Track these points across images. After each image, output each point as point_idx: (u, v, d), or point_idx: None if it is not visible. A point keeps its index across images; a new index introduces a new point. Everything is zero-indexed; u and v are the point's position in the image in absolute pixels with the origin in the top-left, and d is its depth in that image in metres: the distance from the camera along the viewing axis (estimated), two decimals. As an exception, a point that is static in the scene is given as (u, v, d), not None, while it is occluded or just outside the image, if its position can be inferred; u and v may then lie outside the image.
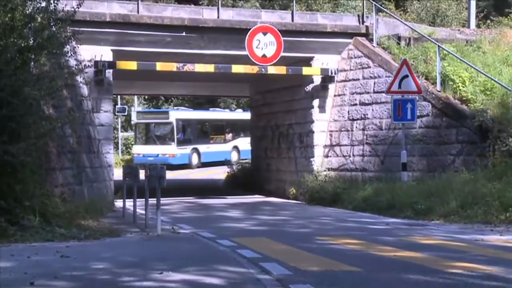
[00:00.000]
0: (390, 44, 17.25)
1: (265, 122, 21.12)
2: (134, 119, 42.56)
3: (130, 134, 46.47)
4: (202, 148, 35.46)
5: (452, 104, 14.89)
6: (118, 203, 14.52)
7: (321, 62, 17.93)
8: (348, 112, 17.45)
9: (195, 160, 34.81)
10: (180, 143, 33.77)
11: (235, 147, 37.55)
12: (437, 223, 12.10)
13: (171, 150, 33.11)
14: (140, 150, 34.59)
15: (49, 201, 10.40)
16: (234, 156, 37.03)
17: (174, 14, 16.85)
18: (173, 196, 18.24)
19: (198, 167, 35.03)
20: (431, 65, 15.94)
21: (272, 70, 17.20)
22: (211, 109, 41.71)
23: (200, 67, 17.05)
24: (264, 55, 16.79)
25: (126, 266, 6.77)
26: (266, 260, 7.32)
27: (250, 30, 16.64)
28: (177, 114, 34.76)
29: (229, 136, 38.30)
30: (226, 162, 34.58)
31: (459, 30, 20.56)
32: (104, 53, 16.09)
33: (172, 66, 16.84)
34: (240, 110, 41.43)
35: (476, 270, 6.70)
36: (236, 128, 38.39)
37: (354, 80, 17.49)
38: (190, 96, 39.61)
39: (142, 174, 11.68)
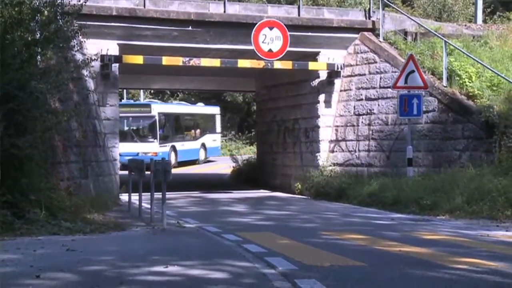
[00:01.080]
0: (396, 39, 17.21)
1: (271, 117, 21.11)
2: None
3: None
4: (178, 145, 32.11)
5: (458, 99, 14.85)
6: (124, 197, 14.55)
7: (327, 57, 17.90)
8: (354, 107, 17.42)
9: (172, 159, 30.09)
10: (161, 140, 30.37)
11: (203, 145, 35.27)
12: (443, 219, 12.09)
13: (153, 148, 29.21)
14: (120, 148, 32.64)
15: (55, 194, 10.43)
16: (201, 155, 35.21)
17: (181, 8, 16.83)
18: (179, 190, 18.26)
19: (175, 167, 31.71)
20: (437, 61, 15.89)
21: (278, 65, 17.18)
22: (175, 102, 39.76)
23: (206, 62, 17.05)
24: (270, 50, 16.76)
25: (132, 259, 6.79)
26: (271, 255, 7.32)
27: (257, 25, 16.62)
28: (159, 108, 31.49)
29: (197, 132, 35.58)
30: (197, 162, 33.65)
31: (466, 25, 20.49)
32: (111, 47, 16.10)
33: (178, 61, 16.84)
34: (201, 104, 38.53)
35: (481, 265, 6.69)
36: (202, 124, 36.34)
37: (360, 75, 17.46)
38: (196, 91, 39.32)
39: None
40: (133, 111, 29.42)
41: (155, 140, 29.55)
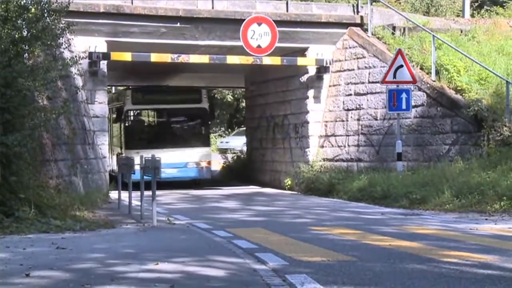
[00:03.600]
0: (385, 34, 17.24)
1: (260, 113, 21.12)
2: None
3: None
4: None
5: (447, 93, 14.91)
6: (113, 195, 14.51)
7: (316, 53, 17.92)
8: (343, 102, 17.44)
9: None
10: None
11: None
12: (432, 213, 12.14)
13: (206, 156, 21.76)
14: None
15: (44, 192, 10.39)
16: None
17: (169, 4, 16.79)
18: (168, 187, 18.24)
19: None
20: (426, 55, 15.94)
21: (267, 60, 17.18)
22: None
23: (195, 58, 17.03)
24: (259, 46, 16.76)
25: (122, 257, 6.78)
26: (262, 251, 7.33)
27: (245, 21, 16.60)
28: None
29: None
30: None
31: (453, 19, 20.56)
32: (98, 44, 16.05)
33: (167, 57, 16.80)
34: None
35: (470, 258, 6.73)
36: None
37: (349, 70, 17.48)
38: (185, 88, 39.17)
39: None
40: (171, 100, 19.60)
41: (208, 144, 20.18)
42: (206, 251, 7.31)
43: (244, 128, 26.42)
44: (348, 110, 17.26)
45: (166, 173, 16.11)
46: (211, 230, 9.62)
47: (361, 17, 17.85)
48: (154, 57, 16.80)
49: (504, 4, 25.93)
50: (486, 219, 10.94)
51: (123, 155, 17.94)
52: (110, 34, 16.36)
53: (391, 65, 14.51)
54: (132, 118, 19.77)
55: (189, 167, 19.16)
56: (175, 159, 18.42)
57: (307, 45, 18.01)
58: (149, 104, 19.88)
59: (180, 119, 20.36)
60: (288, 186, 18.41)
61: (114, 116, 21.29)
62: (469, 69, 15.34)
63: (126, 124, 19.63)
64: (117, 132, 21.11)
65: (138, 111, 19.83)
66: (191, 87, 22.71)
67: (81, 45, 14.56)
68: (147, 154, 16.08)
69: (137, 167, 12.25)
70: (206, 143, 20.01)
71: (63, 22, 10.96)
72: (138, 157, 14.52)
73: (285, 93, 19.33)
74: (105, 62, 16.26)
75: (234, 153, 27.53)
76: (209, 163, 19.43)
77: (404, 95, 14.41)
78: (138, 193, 11.52)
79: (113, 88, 39.13)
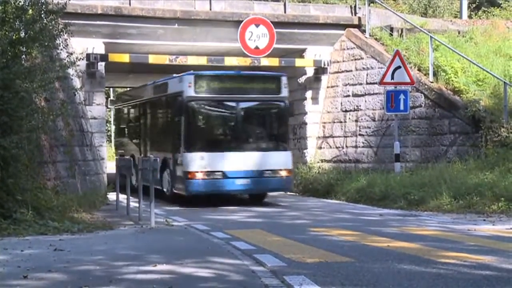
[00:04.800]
0: (382, 35, 17.26)
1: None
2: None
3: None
4: None
5: (444, 95, 14.93)
6: (111, 196, 14.50)
7: (313, 54, 17.93)
8: (341, 103, 17.46)
9: None
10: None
11: None
12: (430, 214, 12.14)
13: (286, 162, 16.57)
14: None
15: (42, 194, 10.38)
16: None
17: (166, 6, 16.80)
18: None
19: None
20: (423, 56, 15.96)
21: (265, 62, 17.19)
22: None
23: (192, 60, 17.03)
24: (256, 47, 16.77)
25: (120, 258, 6.77)
26: (260, 252, 7.33)
27: (243, 22, 16.62)
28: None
29: None
30: None
31: (451, 21, 20.59)
32: (96, 45, 16.05)
33: (165, 59, 16.81)
34: None
35: (469, 259, 6.73)
36: None
37: (347, 71, 17.50)
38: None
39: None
40: (243, 89, 14.81)
41: (287, 147, 15.28)
42: (204, 252, 7.31)
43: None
44: (346, 111, 17.27)
45: (236, 184, 13.92)
46: (209, 231, 9.62)
47: (359, 18, 17.87)
48: (152, 59, 16.81)
49: (501, 5, 25.97)
50: (484, 220, 10.95)
51: (180, 158, 14.19)
52: (108, 35, 16.36)
53: (389, 66, 14.52)
54: (193, 111, 14.26)
55: (265, 176, 14.33)
56: (247, 166, 14.12)
57: (305, 47, 18.02)
58: (216, 93, 14.39)
59: (254, 113, 15.05)
60: (286, 187, 18.36)
61: (159, 110, 16.88)
62: (467, 70, 15.36)
63: (185, 119, 14.10)
64: (165, 130, 15.91)
65: (202, 102, 14.38)
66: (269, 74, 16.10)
67: (79, 46, 14.56)
68: (213, 157, 13.85)
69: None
70: (285, 145, 14.95)
71: (60, 23, 10.96)
72: (201, 161, 13.59)
73: (283, 94, 19.26)
74: (103, 63, 16.26)
75: None
76: (289, 171, 14.69)
77: (402, 96, 14.42)
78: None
79: (111, 89, 39.25)
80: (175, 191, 14.62)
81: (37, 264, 6.43)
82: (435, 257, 6.86)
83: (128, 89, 20.06)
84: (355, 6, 18.29)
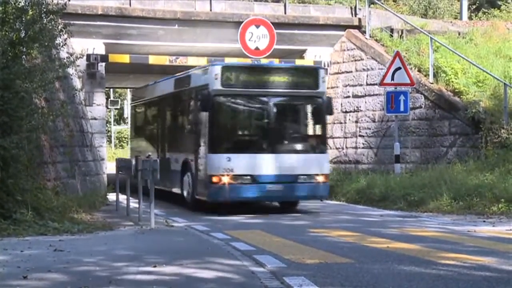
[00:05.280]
0: (382, 36, 17.26)
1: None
2: (126, 112, 42.49)
3: (123, 127, 46.48)
4: None
5: (444, 96, 14.93)
6: (111, 197, 14.49)
7: (314, 55, 17.94)
8: (341, 104, 17.46)
9: None
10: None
11: None
12: (430, 215, 12.14)
13: (323, 167, 14.64)
14: None
15: (41, 195, 10.37)
16: None
17: (167, 6, 16.81)
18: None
19: None
20: (423, 57, 15.96)
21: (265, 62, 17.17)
22: None
23: (193, 61, 17.03)
24: (257, 48, 16.75)
25: (120, 259, 6.76)
26: (260, 253, 7.32)
27: (243, 23, 16.61)
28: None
29: None
30: None
31: (451, 22, 20.59)
32: (97, 46, 16.06)
33: (165, 59, 16.82)
34: None
35: (468, 261, 6.73)
36: None
37: (347, 72, 17.50)
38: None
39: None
40: (276, 83, 13.11)
41: (325, 149, 13.69)
42: (204, 253, 7.30)
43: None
44: (346, 112, 17.27)
45: (267, 190, 12.36)
46: (209, 232, 9.61)
47: (359, 19, 17.87)
48: (152, 59, 16.82)
49: (502, 7, 25.97)
50: (484, 221, 10.95)
51: (203, 160, 12.64)
52: (108, 36, 16.37)
53: (389, 67, 14.52)
54: (219, 106, 12.63)
55: (300, 182, 12.65)
56: (280, 169, 12.49)
57: (305, 47, 18.03)
58: (246, 86, 12.68)
59: (288, 110, 13.38)
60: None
61: (180, 106, 15.13)
62: (467, 71, 15.36)
63: (210, 115, 12.49)
64: (187, 128, 14.22)
65: (229, 97, 12.74)
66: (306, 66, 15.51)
67: (79, 47, 14.55)
68: (241, 159, 12.27)
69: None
70: (323, 147, 13.33)
71: (60, 23, 10.97)
72: (227, 163, 12.16)
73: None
74: (103, 64, 16.27)
75: None
76: (326, 177, 13.03)
77: (402, 97, 14.42)
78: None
79: (111, 90, 39.32)
80: (197, 197, 13.01)
81: (37, 264, 6.43)
82: (435, 258, 6.85)
83: (146, 84, 17.88)
84: (355, 7, 18.30)
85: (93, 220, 11.06)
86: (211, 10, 17.04)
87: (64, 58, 11.43)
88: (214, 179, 12.19)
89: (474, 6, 28.94)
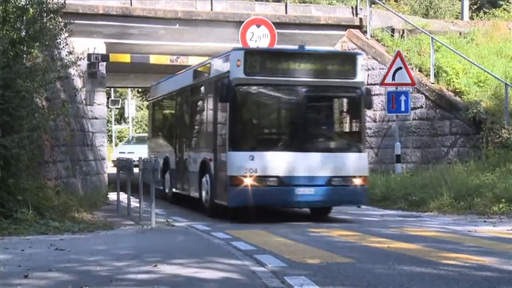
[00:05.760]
0: (383, 36, 17.26)
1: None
2: (127, 112, 42.48)
3: (123, 127, 46.47)
4: None
5: (445, 96, 14.92)
6: (112, 196, 14.50)
7: (314, 54, 17.89)
8: (342, 104, 17.42)
9: None
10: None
11: None
12: (431, 215, 12.14)
13: (361, 169, 12.24)
14: None
15: (42, 194, 10.39)
16: None
17: (168, 6, 16.82)
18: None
19: None
20: (424, 57, 15.96)
21: (266, 62, 17.17)
22: None
23: (194, 60, 17.04)
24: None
25: (121, 258, 6.77)
26: (260, 252, 7.32)
27: (244, 23, 16.61)
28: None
29: None
30: None
31: (452, 22, 20.59)
32: (97, 45, 16.07)
33: (166, 59, 16.84)
34: None
35: (469, 260, 6.73)
36: None
37: (348, 72, 17.46)
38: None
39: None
40: (307, 71, 11.44)
41: (363, 148, 11.89)
42: (205, 252, 7.31)
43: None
44: (347, 112, 17.25)
45: (296, 194, 10.83)
46: (210, 232, 9.62)
47: (360, 19, 17.87)
48: (153, 59, 16.84)
49: (503, 7, 25.97)
50: (485, 221, 10.95)
51: (223, 159, 11.16)
52: (109, 35, 16.37)
53: (390, 67, 14.52)
54: (242, 97, 11.12)
55: (334, 184, 11.10)
56: (311, 170, 10.96)
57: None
58: (273, 75, 11.13)
59: (321, 102, 11.88)
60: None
61: (198, 100, 13.52)
62: (468, 71, 15.36)
63: (232, 108, 10.98)
64: (206, 124, 12.61)
65: (254, 87, 11.20)
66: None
67: (80, 46, 14.56)
68: (266, 158, 10.74)
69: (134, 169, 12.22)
70: (360, 145, 11.62)
71: (60, 21, 10.97)
72: (250, 163, 10.63)
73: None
74: (104, 63, 16.27)
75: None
76: (365, 180, 11.40)
77: (403, 97, 14.43)
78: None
79: (112, 89, 39.34)
80: (216, 201, 11.49)
81: (38, 263, 6.43)
82: (435, 258, 6.85)
83: (163, 79, 16.40)
84: (356, 7, 18.29)
85: (94, 219, 11.07)
86: (212, 9, 17.04)
87: (66, 59, 11.45)
88: (235, 181, 10.69)
89: (475, 6, 28.92)
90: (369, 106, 11.90)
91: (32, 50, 10.53)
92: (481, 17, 25.32)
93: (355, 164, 11.29)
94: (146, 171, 10.94)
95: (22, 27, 10.29)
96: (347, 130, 12.00)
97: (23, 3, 10.29)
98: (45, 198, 10.32)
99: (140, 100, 47.75)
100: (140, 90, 45.11)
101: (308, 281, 5.60)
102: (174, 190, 14.40)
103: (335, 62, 11.65)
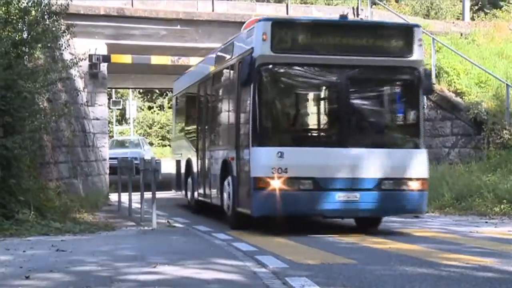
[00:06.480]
0: (385, 37, 17.23)
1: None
2: (128, 112, 42.49)
3: (124, 127, 46.48)
4: None
5: (447, 96, 14.92)
6: (113, 197, 14.51)
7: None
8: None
9: None
10: None
11: None
12: (432, 215, 12.14)
13: (421, 170, 9.69)
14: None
15: (44, 195, 10.40)
16: None
17: (169, 7, 16.84)
18: (168, 189, 18.22)
19: None
20: (425, 58, 15.94)
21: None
22: None
23: (195, 61, 17.04)
24: (259, 48, 16.69)
25: (122, 259, 6.77)
26: (261, 253, 7.32)
27: (245, 23, 16.59)
28: None
29: None
30: None
31: (453, 23, 20.59)
32: (99, 46, 16.07)
33: (167, 60, 16.84)
34: None
35: (470, 261, 6.73)
36: None
37: (349, 73, 17.42)
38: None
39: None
40: (350, 46, 9.37)
41: (421, 143, 9.71)
42: (206, 253, 7.31)
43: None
44: (348, 112, 17.21)
45: (336, 200, 8.87)
46: (211, 232, 9.61)
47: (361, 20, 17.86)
48: (154, 60, 16.84)
49: (504, 7, 25.97)
50: (486, 222, 10.94)
51: (245, 157, 9.14)
52: (111, 36, 16.39)
53: (391, 68, 14.48)
54: (269, 79, 9.15)
55: (386, 188, 9.09)
56: (356, 171, 8.97)
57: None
58: (307, 51, 9.11)
59: (367, 86, 9.60)
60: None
61: (220, 89, 11.38)
62: (469, 72, 15.36)
63: (256, 92, 8.97)
64: (227, 117, 10.48)
65: (283, 67, 9.19)
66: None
67: (82, 47, 14.57)
68: (299, 156, 8.80)
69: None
70: (417, 140, 9.55)
71: (63, 23, 10.99)
72: (279, 161, 8.63)
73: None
74: (105, 64, 16.29)
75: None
76: (424, 183, 9.33)
77: (404, 98, 14.38)
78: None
79: (113, 90, 39.32)
80: (238, 209, 9.56)
81: (39, 264, 6.44)
82: (437, 259, 6.85)
83: (185, 71, 14.97)
84: (357, 8, 18.29)
85: (95, 220, 11.07)
86: (213, 10, 17.06)
87: (67, 60, 11.47)
88: (260, 184, 8.75)
89: (476, 7, 28.94)
90: (429, 91, 9.71)
91: (34, 52, 10.55)
92: (482, 18, 25.35)
93: (411, 163, 9.21)
94: (147, 171, 10.93)
95: (24, 29, 10.30)
96: (401, 120, 9.87)
97: (25, 5, 10.30)
98: (46, 199, 10.33)
99: (141, 101, 47.77)
100: (141, 91, 45.12)
101: (310, 282, 5.60)
102: (196, 197, 12.36)
103: (386, 36, 9.49)
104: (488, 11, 27.18)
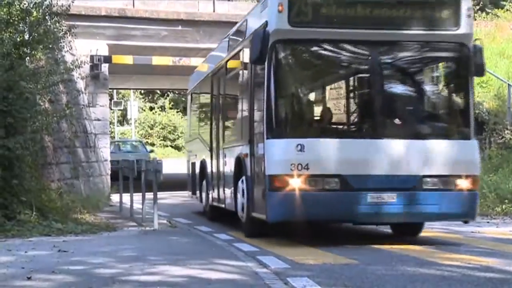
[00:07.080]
0: (386, 37, 17.23)
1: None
2: (129, 113, 42.53)
3: (126, 128, 46.53)
4: None
5: (448, 96, 14.88)
6: (115, 198, 14.52)
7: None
8: (345, 105, 17.31)
9: None
10: None
11: None
12: (434, 216, 12.11)
13: (472, 167, 8.09)
14: None
15: (45, 195, 10.41)
16: None
17: (170, 7, 16.85)
18: (170, 190, 18.22)
19: None
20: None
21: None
22: None
23: (196, 61, 17.05)
24: (259, 49, 16.69)
25: (124, 260, 6.78)
26: (263, 254, 7.32)
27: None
28: None
29: None
30: None
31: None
32: (100, 47, 16.10)
33: (168, 60, 16.86)
34: None
35: (472, 262, 6.72)
36: None
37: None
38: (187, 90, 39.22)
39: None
40: (382, 18, 7.77)
41: (470, 133, 8.12)
42: (207, 254, 7.31)
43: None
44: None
45: (368, 202, 7.56)
46: (213, 233, 9.62)
47: (362, 20, 17.84)
48: (156, 60, 16.86)
49: (505, 7, 25.96)
50: (488, 222, 10.94)
51: (260, 151, 7.86)
52: (112, 37, 16.40)
53: (392, 68, 14.46)
54: (285, 59, 7.88)
55: (428, 188, 7.74)
56: (394, 167, 7.63)
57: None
58: (331, 26, 7.70)
59: (405, 66, 8.27)
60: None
61: (232, 77, 9.86)
62: (470, 72, 15.34)
63: (271, 74, 7.65)
64: (240, 108, 9.15)
65: (303, 44, 7.91)
66: None
67: (83, 48, 14.61)
68: (322, 149, 7.49)
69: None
70: (467, 130, 8.15)
71: (64, 25, 11.01)
72: (298, 155, 7.33)
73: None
74: (107, 65, 16.30)
75: None
76: (475, 181, 7.88)
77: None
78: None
79: (114, 91, 39.35)
80: (253, 214, 8.31)
81: (41, 265, 6.44)
82: (438, 259, 6.85)
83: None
84: (358, 8, 18.28)
85: (97, 221, 11.08)
86: (214, 11, 17.07)
87: (69, 61, 11.49)
88: (276, 183, 7.49)
89: (477, 7, 28.92)
90: (480, 71, 8.19)
91: (36, 53, 10.56)
92: (484, 17, 25.32)
93: (460, 157, 7.74)
94: (148, 172, 10.94)
95: (25, 30, 10.32)
96: (446, 106, 8.39)
97: (27, 6, 10.31)
98: (48, 200, 10.35)
99: (142, 101, 47.80)
100: (142, 91, 45.14)
101: (311, 282, 5.60)
102: (211, 201, 11.18)
103: (427, 4, 7.92)
104: (490, 11, 27.15)
